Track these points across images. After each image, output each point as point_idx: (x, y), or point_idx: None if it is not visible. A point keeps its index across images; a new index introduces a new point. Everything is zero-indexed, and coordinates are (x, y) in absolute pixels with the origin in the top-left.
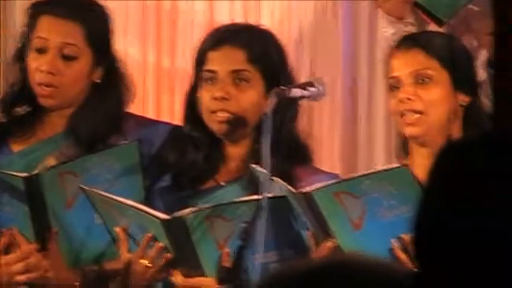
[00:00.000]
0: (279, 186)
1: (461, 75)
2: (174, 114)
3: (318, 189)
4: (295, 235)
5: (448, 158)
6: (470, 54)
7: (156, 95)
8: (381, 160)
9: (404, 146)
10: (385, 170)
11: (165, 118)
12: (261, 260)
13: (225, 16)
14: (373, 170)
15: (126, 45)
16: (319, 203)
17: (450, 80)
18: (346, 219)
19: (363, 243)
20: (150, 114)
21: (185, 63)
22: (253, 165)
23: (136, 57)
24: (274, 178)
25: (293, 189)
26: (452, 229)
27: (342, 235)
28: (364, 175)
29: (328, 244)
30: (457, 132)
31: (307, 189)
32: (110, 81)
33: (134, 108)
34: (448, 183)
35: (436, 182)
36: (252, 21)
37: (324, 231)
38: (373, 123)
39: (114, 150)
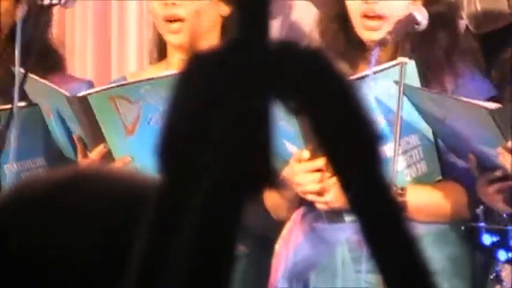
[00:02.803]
0: (46, 90)
1: None
2: None
3: (94, 93)
4: (50, 143)
5: (193, 67)
6: None
7: None
8: (133, 65)
9: (160, 50)
10: (167, 76)
11: None
12: (13, 168)
13: None
14: (155, 76)
15: None
16: (93, 107)
17: None
18: (119, 124)
19: (134, 149)
20: None
21: None
22: (12, 67)
23: None
24: (42, 81)
25: (66, 93)
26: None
27: (113, 140)
28: (146, 80)
29: (99, 149)
30: (216, 41)
31: (83, 93)
32: None
33: None
34: (191, 92)
35: (179, 90)
36: None
37: (95, 135)
38: (125, 28)
39: None
